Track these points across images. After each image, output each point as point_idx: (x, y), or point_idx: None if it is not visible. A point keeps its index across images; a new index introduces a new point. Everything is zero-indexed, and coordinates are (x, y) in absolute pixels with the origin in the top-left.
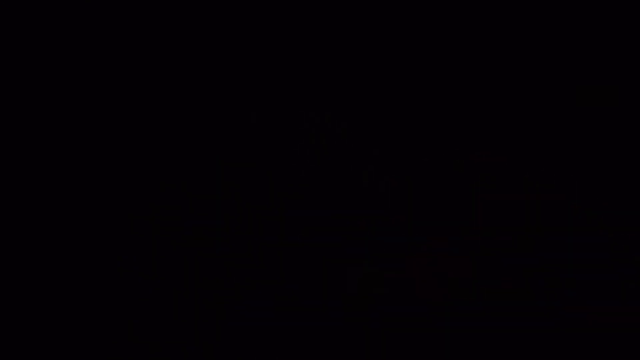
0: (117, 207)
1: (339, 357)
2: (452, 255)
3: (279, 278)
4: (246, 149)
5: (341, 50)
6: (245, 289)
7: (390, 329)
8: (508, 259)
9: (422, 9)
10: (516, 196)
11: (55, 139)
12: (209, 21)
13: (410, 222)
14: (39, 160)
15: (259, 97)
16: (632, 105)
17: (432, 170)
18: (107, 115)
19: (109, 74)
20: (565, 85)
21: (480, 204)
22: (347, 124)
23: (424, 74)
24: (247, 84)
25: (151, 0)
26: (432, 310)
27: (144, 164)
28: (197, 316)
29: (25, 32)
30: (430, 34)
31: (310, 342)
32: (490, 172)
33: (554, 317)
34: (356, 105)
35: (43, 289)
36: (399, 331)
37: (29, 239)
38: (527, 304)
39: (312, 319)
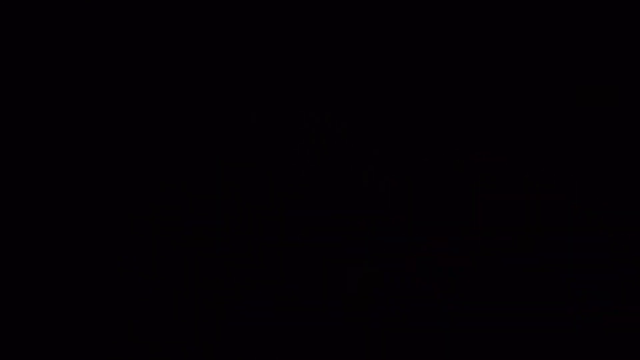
0: (117, 207)
1: (339, 357)
2: (452, 255)
3: (279, 278)
4: (246, 149)
5: (341, 51)
6: (245, 289)
7: (390, 329)
8: (508, 259)
9: (422, 9)
10: (516, 196)
11: (55, 139)
12: (209, 21)
13: (410, 222)
14: (39, 160)
15: (259, 97)
16: (632, 105)
17: (432, 170)
18: (108, 115)
19: (109, 74)
20: (565, 85)
21: (480, 204)
22: (347, 124)
23: (424, 74)
24: (247, 84)
25: (151, 0)
26: (432, 310)
27: (144, 163)
28: (197, 316)
29: (25, 32)
30: (430, 34)
31: (310, 342)
32: (490, 172)
33: (553, 316)
34: (356, 105)
35: (43, 289)
36: (399, 331)
37: (29, 239)
38: (527, 303)
39: (312, 319)
